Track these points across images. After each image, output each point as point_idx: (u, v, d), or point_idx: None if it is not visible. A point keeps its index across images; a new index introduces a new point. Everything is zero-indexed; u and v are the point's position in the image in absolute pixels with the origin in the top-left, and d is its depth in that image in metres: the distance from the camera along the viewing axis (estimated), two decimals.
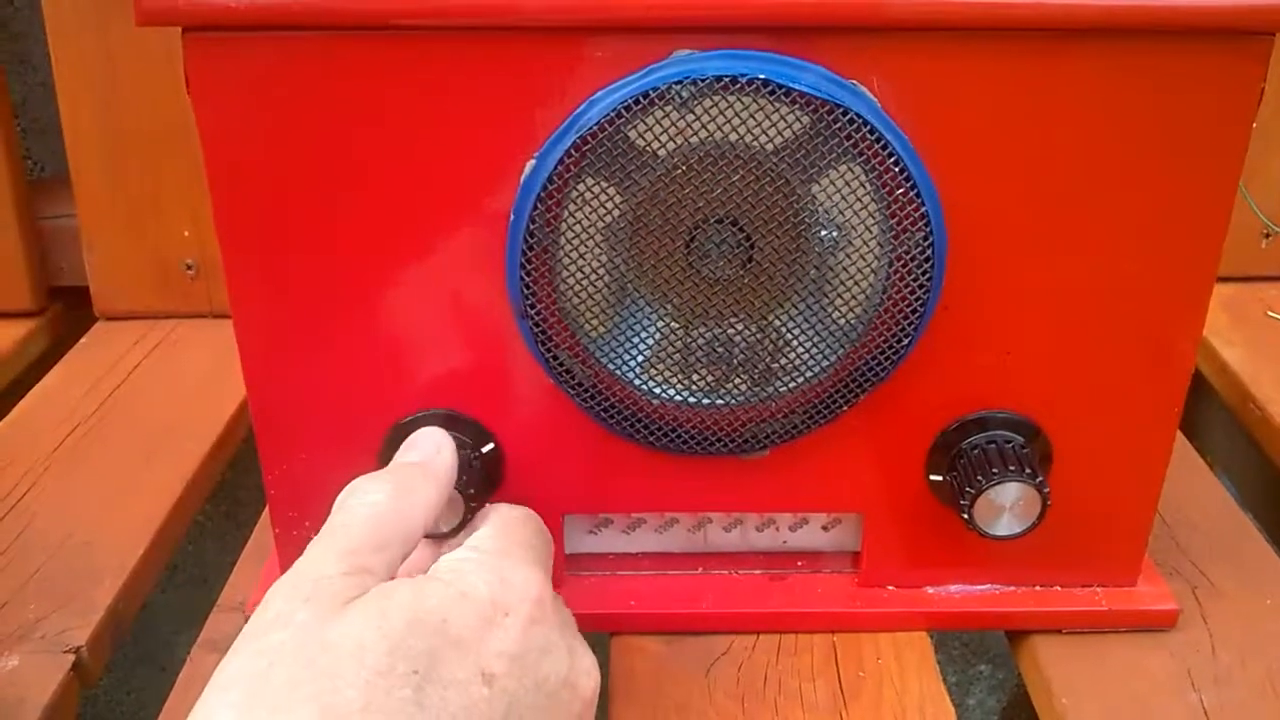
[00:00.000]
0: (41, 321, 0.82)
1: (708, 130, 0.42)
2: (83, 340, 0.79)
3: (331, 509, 0.41)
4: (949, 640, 1.19)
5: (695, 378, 0.47)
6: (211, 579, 1.10)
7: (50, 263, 0.83)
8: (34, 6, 0.85)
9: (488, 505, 0.46)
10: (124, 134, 0.76)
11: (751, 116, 0.41)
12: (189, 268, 0.80)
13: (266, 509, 0.60)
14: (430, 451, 0.45)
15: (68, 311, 0.85)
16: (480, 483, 0.47)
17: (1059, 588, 0.53)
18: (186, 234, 0.79)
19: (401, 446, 0.45)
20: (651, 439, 0.48)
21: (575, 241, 0.44)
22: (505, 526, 0.43)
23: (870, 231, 0.44)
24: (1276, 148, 0.79)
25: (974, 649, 1.19)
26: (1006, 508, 0.47)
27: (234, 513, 1.07)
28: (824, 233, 0.44)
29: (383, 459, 0.48)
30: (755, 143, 0.42)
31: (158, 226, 0.78)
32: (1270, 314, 0.80)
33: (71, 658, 0.51)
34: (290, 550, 0.50)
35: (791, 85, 0.40)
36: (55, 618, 0.53)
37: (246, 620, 0.37)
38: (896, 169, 0.42)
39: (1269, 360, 0.74)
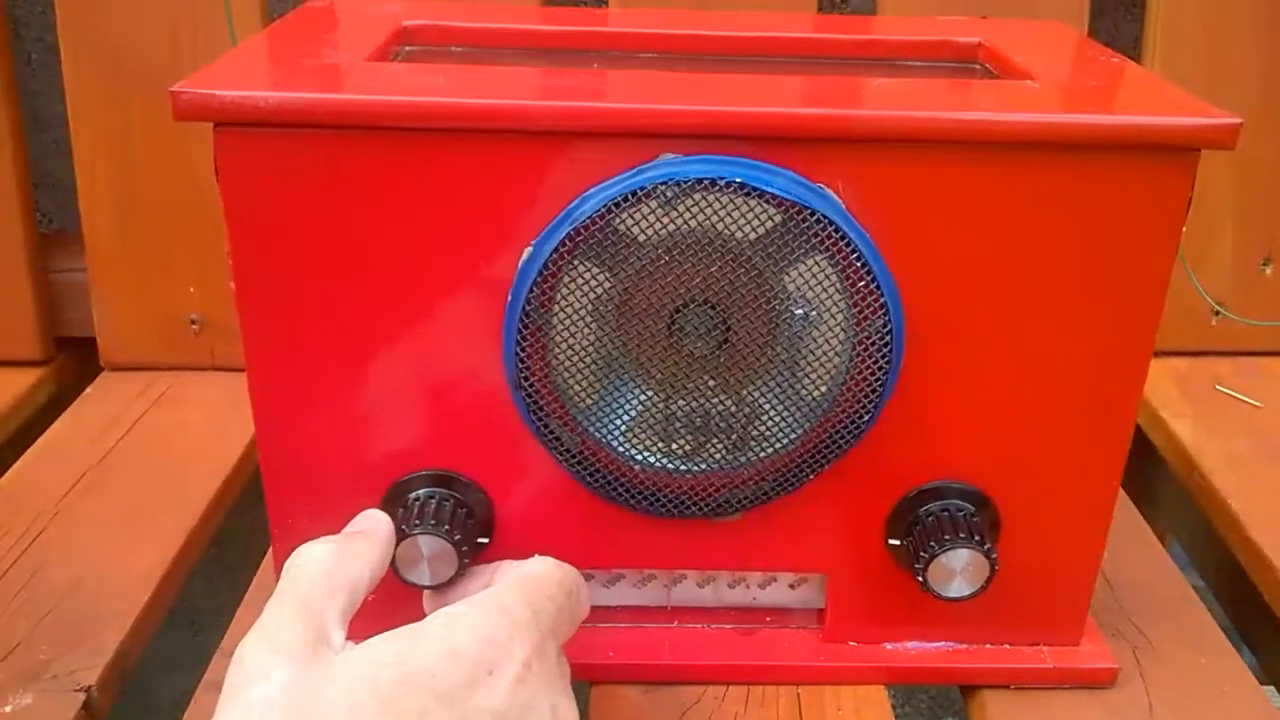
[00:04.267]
0: (48, 370, 0.86)
1: (689, 225, 0.46)
2: (88, 390, 0.82)
3: (281, 571, 0.44)
4: (917, 693, 1.22)
5: (675, 445, 0.51)
6: (199, 621, 1.13)
7: (58, 314, 0.87)
8: (50, 66, 0.90)
9: (528, 560, 0.48)
10: (136, 196, 0.80)
11: (729, 214, 0.46)
12: (193, 323, 0.84)
13: (266, 556, 0.64)
14: (370, 525, 0.49)
15: (73, 361, 0.88)
16: (471, 538, 0.51)
17: (1008, 646, 0.57)
18: (192, 290, 0.83)
19: (347, 526, 0.49)
20: (633, 502, 0.52)
21: (567, 320, 0.48)
22: (517, 586, 0.46)
23: (836, 317, 0.48)
24: (1223, 232, 0.84)
25: (941, 701, 1.22)
26: (958, 571, 0.51)
27: (221, 555, 1.09)
28: (797, 312, 0.48)
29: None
30: (732, 237, 0.46)
31: (165, 283, 0.82)
32: (1219, 388, 0.84)
33: (82, 696, 0.54)
34: None
35: (765, 188, 0.45)
36: (66, 659, 0.56)
37: None
38: (859, 263, 0.46)
39: (1215, 432, 0.79)
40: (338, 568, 0.44)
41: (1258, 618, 0.69)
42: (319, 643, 0.40)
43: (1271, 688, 0.70)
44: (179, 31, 0.78)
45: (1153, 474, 0.83)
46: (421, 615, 0.45)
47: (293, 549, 0.53)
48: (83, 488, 0.71)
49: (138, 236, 0.81)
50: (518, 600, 0.44)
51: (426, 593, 0.52)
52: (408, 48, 0.58)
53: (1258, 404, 0.82)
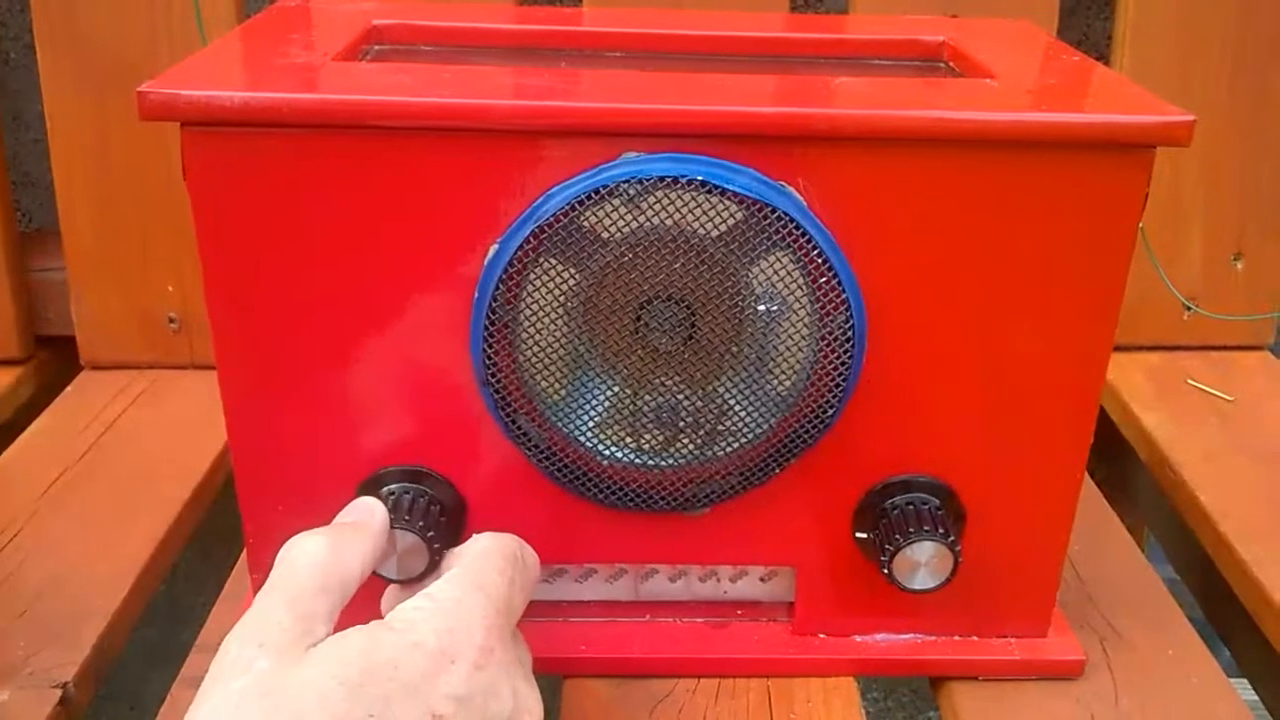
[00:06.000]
0: (28, 369, 0.86)
1: (653, 222, 0.47)
2: (68, 388, 0.83)
3: (274, 562, 0.45)
4: (900, 688, 1.23)
5: (643, 440, 0.52)
6: (184, 618, 1.13)
7: (37, 313, 0.87)
8: (29, 66, 0.90)
9: (468, 542, 0.48)
10: (114, 194, 0.81)
11: (691, 211, 0.46)
12: (172, 321, 0.84)
13: (244, 553, 0.64)
14: (364, 515, 0.49)
15: (53, 359, 0.88)
16: (444, 533, 0.52)
17: (976, 638, 0.58)
18: (170, 289, 0.83)
19: (340, 513, 0.49)
20: (602, 496, 0.52)
21: (534, 317, 0.49)
22: (467, 571, 0.46)
23: (799, 313, 0.49)
24: (1194, 227, 0.85)
25: (922, 695, 1.23)
26: (922, 564, 0.52)
27: (209, 553, 1.10)
28: (761, 307, 0.49)
29: None
30: (695, 234, 0.47)
31: (143, 282, 0.83)
32: (1190, 382, 0.85)
33: (59, 693, 0.54)
34: None
35: (726, 186, 0.45)
36: (44, 654, 0.57)
37: None
38: (820, 260, 0.47)
39: (1186, 426, 0.80)
40: (330, 563, 0.44)
41: (1230, 611, 0.69)
42: (303, 637, 0.41)
43: (1244, 680, 0.71)
44: (156, 30, 0.78)
45: (1128, 468, 0.84)
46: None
47: (266, 544, 0.54)
48: (62, 485, 0.71)
49: (116, 235, 0.82)
50: (469, 585, 0.45)
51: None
52: (377, 47, 0.59)
53: (1229, 398, 0.83)
